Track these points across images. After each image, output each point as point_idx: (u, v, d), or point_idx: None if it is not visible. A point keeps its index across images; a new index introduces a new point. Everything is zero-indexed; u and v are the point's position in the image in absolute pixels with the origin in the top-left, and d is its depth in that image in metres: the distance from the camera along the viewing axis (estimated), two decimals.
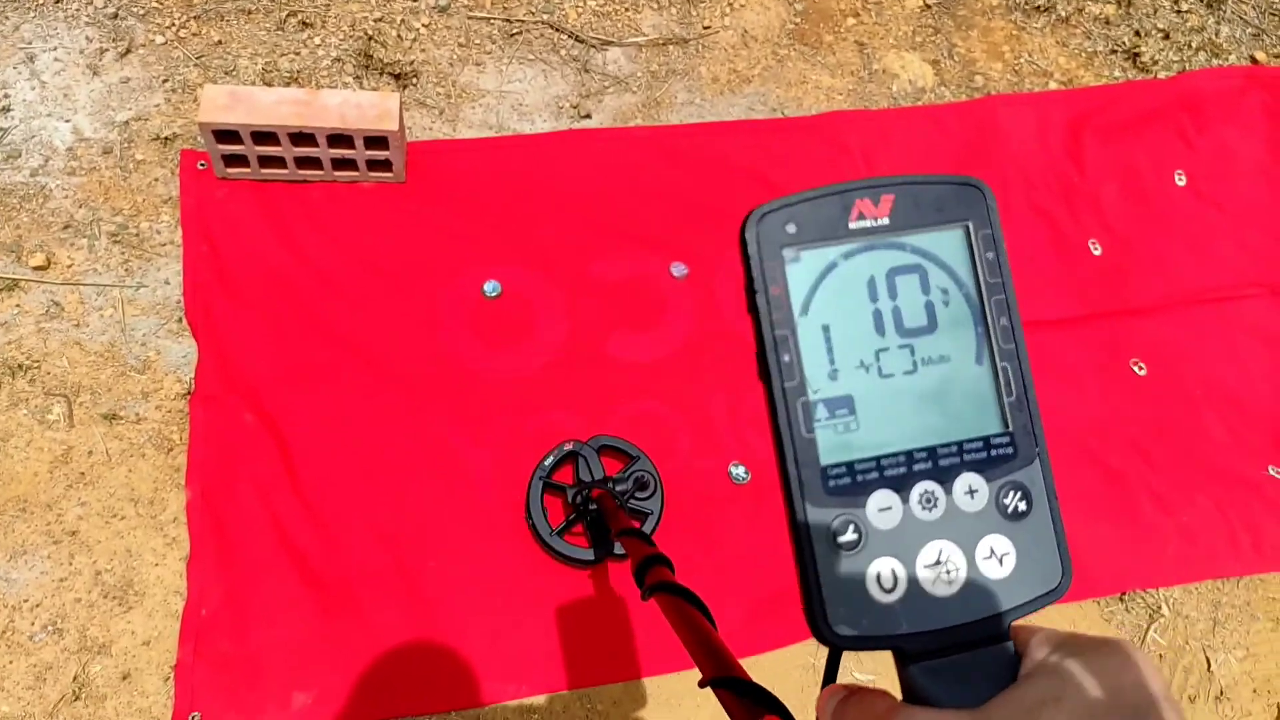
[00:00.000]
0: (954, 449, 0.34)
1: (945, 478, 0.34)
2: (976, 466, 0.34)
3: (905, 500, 0.34)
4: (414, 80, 1.79)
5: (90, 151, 1.63)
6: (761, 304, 0.34)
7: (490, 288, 1.61)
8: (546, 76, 1.84)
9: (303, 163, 1.62)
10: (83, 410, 1.43)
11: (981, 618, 0.33)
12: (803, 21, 2.00)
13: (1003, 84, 1.98)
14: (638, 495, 1.42)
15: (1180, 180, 1.89)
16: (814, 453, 0.33)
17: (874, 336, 0.35)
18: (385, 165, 1.65)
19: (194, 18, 1.79)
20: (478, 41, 1.86)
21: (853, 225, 0.35)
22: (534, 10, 1.91)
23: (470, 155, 1.73)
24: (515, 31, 1.88)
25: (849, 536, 0.33)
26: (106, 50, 1.73)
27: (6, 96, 1.66)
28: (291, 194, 1.64)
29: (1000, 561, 0.34)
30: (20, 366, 1.45)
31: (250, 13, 1.81)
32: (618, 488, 1.40)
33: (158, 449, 1.42)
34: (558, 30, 1.90)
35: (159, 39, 1.75)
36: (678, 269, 1.68)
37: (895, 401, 0.34)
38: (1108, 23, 2.10)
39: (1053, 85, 2.00)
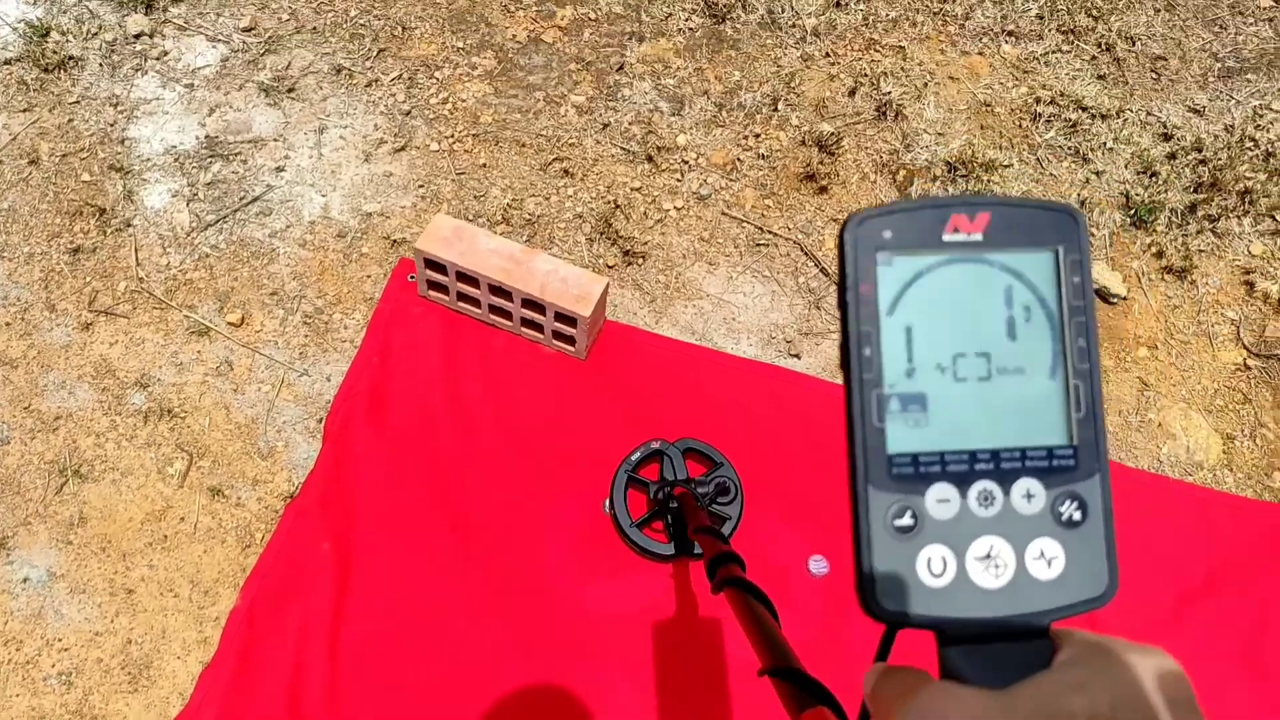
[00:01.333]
0: (1017, 454, 0.36)
1: (1005, 480, 0.35)
2: (1037, 473, 0.36)
3: (964, 495, 0.35)
4: (640, 261, 1.73)
5: (327, 231, 1.71)
6: (850, 300, 0.36)
7: (608, 506, 1.48)
8: (773, 299, 1.71)
9: (496, 310, 1.60)
10: (197, 474, 1.47)
11: (1024, 613, 0.35)
12: None
13: None
14: (719, 500, 1.44)
15: None
16: (881, 440, 0.35)
17: (954, 342, 0.36)
18: (570, 340, 1.59)
19: (473, 135, 1.84)
20: (721, 241, 1.77)
21: (946, 238, 0.36)
22: (792, 227, 1.79)
23: (660, 354, 1.63)
24: (763, 242, 1.77)
25: (905, 521, 0.35)
26: (385, 142, 1.82)
27: (286, 158, 1.78)
28: (476, 333, 1.62)
29: (1049, 564, 0.35)
30: (171, 411, 1.51)
31: (524, 146, 1.84)
32: (699, 489, 1.42)
33: (238, 541, 1.43)
34: (807, 255, 1.76)
35: (434, 146, 1.82)
36: (816, 564, 1.47)
37: (967, 404, 0.36)
38: None
39: None
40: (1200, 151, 1.90)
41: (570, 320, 1.54)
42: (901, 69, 1.98)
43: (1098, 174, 1.88)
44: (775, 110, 1.91)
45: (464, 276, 1.56)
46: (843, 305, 0.36)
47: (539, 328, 1.60)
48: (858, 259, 0.36)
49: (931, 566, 0.35)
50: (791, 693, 0.75)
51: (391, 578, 1.40)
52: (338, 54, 1.92)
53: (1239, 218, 1.84)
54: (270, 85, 1.87)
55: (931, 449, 0.35)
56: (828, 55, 1.99)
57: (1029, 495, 0.35)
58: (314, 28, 1.95)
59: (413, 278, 1.66)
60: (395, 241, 1.71)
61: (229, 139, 1.80)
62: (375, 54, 1.92)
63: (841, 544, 1.48)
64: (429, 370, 1.57)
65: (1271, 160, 1.90)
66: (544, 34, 1.98)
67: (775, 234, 1.78)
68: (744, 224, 1.79)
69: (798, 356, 1.67)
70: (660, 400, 1.58)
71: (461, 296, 1.61)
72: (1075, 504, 0.36)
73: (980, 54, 2.02)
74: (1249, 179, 1.85)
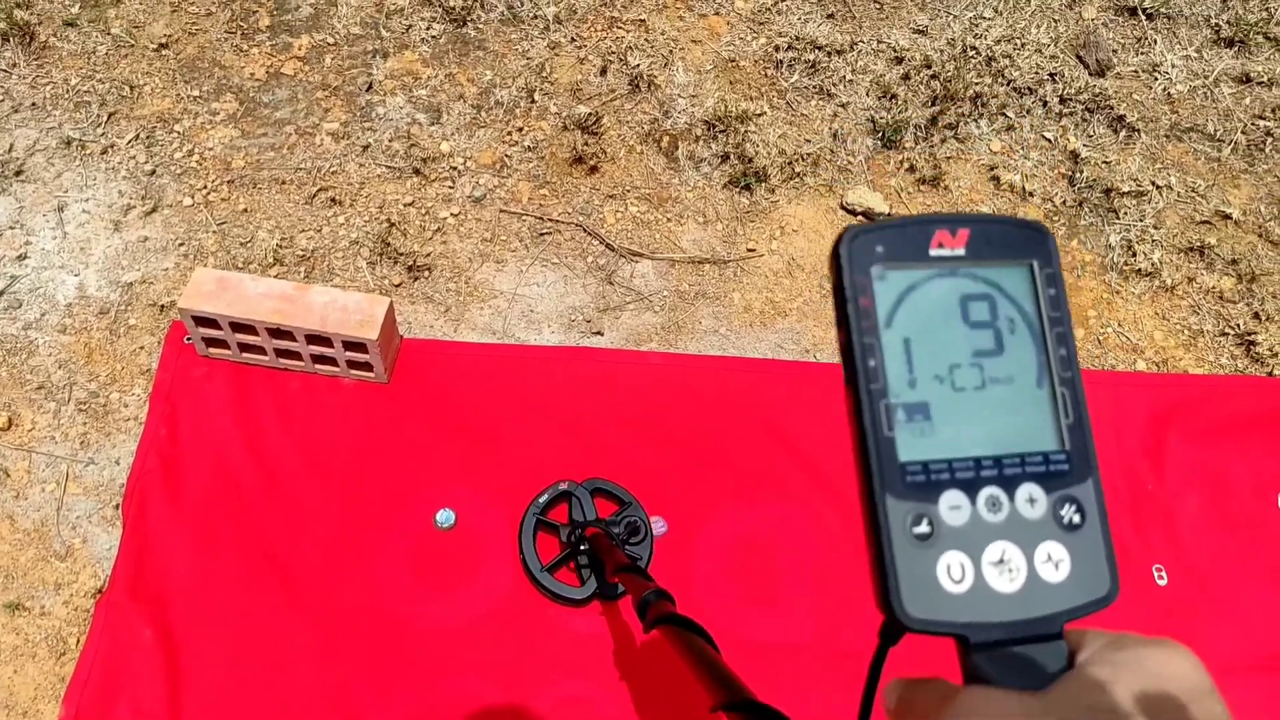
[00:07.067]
0: (1017, 460, 0.37)
1: (1009, 485, 0.37)
2: (1037, 478, 0.37)
3: (973, 502, 0.36)
4: (427, 273, 1.71)
5: (87, 311, 1.62)
6: (851, 313, 0.37)
7: (443, 518, 1.47)
8: (567, 283, 1.73)
9: (283, 353, 1.55)
10: None
11: (1040, 615, 0.36)
12: None
13: (1081, 354, 1.74)
14: (630, 540, 1.42)
15: None
16: (893, 450, 0.36)
17: (949, 353, 0.37)
18: (366, 366, 1.56)
19: (228, 182, 1.78)
20: (504, 238, 1.77)
21: (933, 252, 0.38)
22: (571, 210, 1.81)
23: (462, 360, 1.62)
24: (546, 231, 1.79)
25: (923, 529, 0.36)
26: (134, 207, 1.73)
27: (27, 244, 1.67)
28: (269, 381, 1.57)
29: (1056, 566, 0.36)
30: None
31: (284, 184, 1.79)
32: (611, 530, 1.40)
33: (51, 651, 1.33)
34: (590, 234, 1.79)
35: (187, 201, 1.75)
36: (657, 525, 1.50)
37: (966, 413, 0.37)
38: (1222, 298, 1.83)
39: (1141, 365, 1.73)
40: (930, 68, 2.03)
41: (360, 347, 1.51)
42: (646, 41, 2.03)
43: (844, 106, 1.99)
44: (533, 102, 1.93)
45: (239, 326, 1.50)
46: (842, 319, 0.37)
47: (332, 361, 1.56)
48: (854, 274, 0.37)
49: (951, 573, 0.35)
50: None
51: (225, 650, 1.34)
52: (64, 126, 1.81)
53: (975, 121, 1.99)
54: None
55: (939, 457, 0.37)
56: (573, 40, 2.02)
57: (1031, 500, 0.37)
58: (33, 103, 1.83)
59: (189, 339, 1.59)
60: (164, 307, 1.63)
61: None
62: (105, 119, 1.82)
63: (675, 504, 1.51)
64: (223, 430, 1.51)
65: (993, 64, 2.06)
66: (283, 67, 1.93)
67: (556, 220, 1.80)
68: (524, 217, 1.80)
69: (600, 333, 1.69)
70: (473, 406, 1.57)
71: (244, 347, 1.55)
72: (1074, 507, 0.37)
73: (716, 14, 2.10)
74: (977, 84, 2.00)
